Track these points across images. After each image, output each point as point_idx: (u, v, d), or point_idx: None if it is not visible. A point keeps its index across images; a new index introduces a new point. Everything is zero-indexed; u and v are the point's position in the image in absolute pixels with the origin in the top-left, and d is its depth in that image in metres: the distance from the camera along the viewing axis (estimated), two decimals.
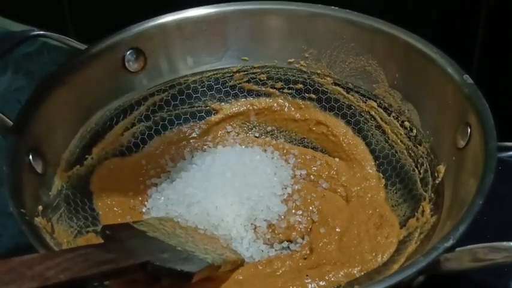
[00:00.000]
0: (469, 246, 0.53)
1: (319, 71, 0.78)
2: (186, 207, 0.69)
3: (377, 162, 0.75)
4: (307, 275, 0.64)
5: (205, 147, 0.79)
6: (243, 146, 0.79)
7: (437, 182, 0.66)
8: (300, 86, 0.80)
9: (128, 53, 0.76)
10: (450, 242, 0.53)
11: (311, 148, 0.79)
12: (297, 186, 0.73)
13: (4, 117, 0.67)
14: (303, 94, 0.80)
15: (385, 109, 0.75)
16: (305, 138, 0.80)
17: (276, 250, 0.68)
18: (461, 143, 0.64)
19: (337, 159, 0.77)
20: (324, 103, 0.79)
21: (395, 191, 0.72)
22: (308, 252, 0.68)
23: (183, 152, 0.78)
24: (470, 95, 0.64)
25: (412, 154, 0.71)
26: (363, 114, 0.77)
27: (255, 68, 0.80)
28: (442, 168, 0.66)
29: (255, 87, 0.81)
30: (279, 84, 0.80)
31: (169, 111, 0.80)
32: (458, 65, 0.67)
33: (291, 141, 0.80)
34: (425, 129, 0.70)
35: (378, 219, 0.69)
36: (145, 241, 0.60)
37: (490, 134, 0.60)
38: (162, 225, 0.65)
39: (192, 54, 0.79)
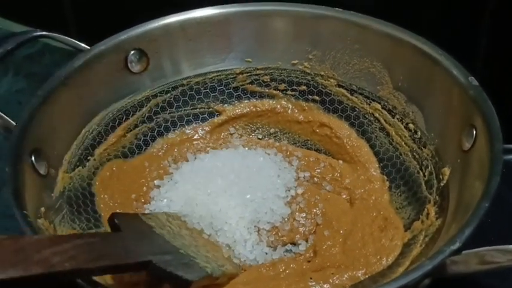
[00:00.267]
0: (476, 249, 0.53)
1: (322, 73, 0.78)
2: (189, 209, 0.68)
3: (381, 164, 0.75)
4: (311, 278, 0.63)
5: (208, 149, 0.79)
6: (246, 148, 0.78)
7: (442, 184, 0.66)
8: (304, 87, 0.79)
9: (131, 54, 0.76)
10: (456, 245, 0.53)
11: (314, 150, 0.79)
12: (300, 189, 0.73)
13: (7, 118, 0.67)
14: (306, 96, 0.79)
15: (389, 111, 0.74)
16: (308, 140, 0.79)
17: (279, 253, 0.68)
18: (467, 146, 0.64)
19: (340, 162, 0.76)
20: (327, 105, 0.79)
21: (399, 194, 0.72)
22: (312, 255, 0.67)
23: (185, 153, 0.78)
24: (476, 97, 0.64)
25: (417, 156, 0.71)
26: (367, 116, 0.76)
27: (258, 69, 0.80)
28: (447, 171, 0.66)
29: (258, 88, 0.80)
30: (282, 86, 0.80)
31: (172, 112, 0.79)
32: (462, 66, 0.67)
33: (295, 143, 0.80)
34: (430, 132, 0.70)
35: (382, 221, 0.69)
36: (150, 238, 0.60)
37: (496, 136, 0.60)
38: (169, 222, 0.65)
39: (196, 55, 0.79)
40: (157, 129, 0.79)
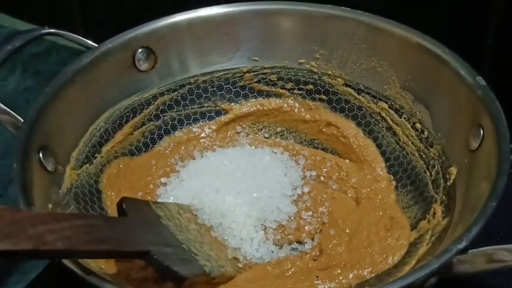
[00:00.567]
0: (482, 248, 0.53)
1: (330, 72, 0.78)
2: (196, 207, 0.68)
3: (388, 164, 0.75)
4: (317, 277, 0.63)
5: (215, 147, 0.79)
6: (253, 147, 0.79)
7: (449, 184, 0.66)
8: (311, 86, 0.79)
9: (139, 52, 0.76)
10: (463, 244, 0.53)
11: (321, 149, 0.79)
12: (307, 187, 0.73)
13: (15, 114, 0.67)
14: (313, 95, 0.79)
15: (396, 111, 0.74)
16: (315, 139, 0.80)
17: (285, 251, 0.68)
18: (474, 145, 0.64)
19: (347, 161, 0.77)
20: (334, 104, 0.79)
21: (406, 193, 0.72)
22: (318, 253, 0.68)
23: (192, 151, 0.78)
24: (483, 96, 0.64)
25: (424, 156, 0.71)
26: (373, 116, 0.76)
27: (265, 68, 0.80)
28: (453, 170, 0.66)
29: (265, 87, 0.81)
30: (289, 85, 0.80)
31: (179, 110, 0.80)
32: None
33: (301, 142, 0.80)
34: (437, 131, 0.70)
35: (388, 221, 0.69)
36: (155, 228, 0.60)
37: (503, 136, 0.60)
38: (180, 214, 0.65)
39: (203, 53, 0.79)
40: (164, 127, 0.79)
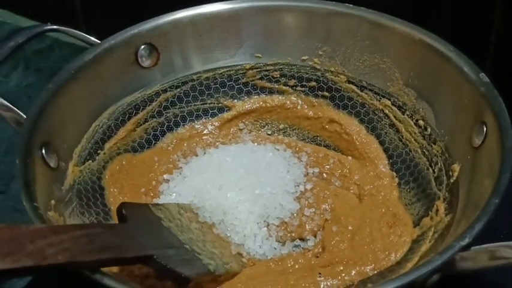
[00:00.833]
0: (485, 245, 0.53)
1: (332, 69, 0.78)
2: (199, 204, 0.68)
3: (390, 161, 0.75)
4: (319, 273, 0.63)
5: (218, 144, 0.79)
6: (256, 144, 0.78)
7: (451, 181, 0.66)
8: (314, 83, 0.79)
9: (141, 48, 0.76)
10: (466, 241, 0.52)
11: (324, 146, 0.79)
12: (309, 184, 0.73)
13: (18, 111, 0.67)
14: (316, 92, 0.79)
15: (399, 107, 0.74)
16: (318, 136, 0.79)
17: (288, 248, 0.68)
18: (477, 142, 0.63)
19: (350, 158, 0.76)
20: (337, 101, 0.78)
21: (408, 190, 0.72)
22: (320, 250, 0.67)
23: (195, 148, 0.78)
24: (487, 93, 0.64)
25: (426, 153, 0.71)
26: (376, 113, 0.76)
27: (268, 65, 0.80)
28: (456, 167, 0.66)
29: (268, 84, 0.80)
30: (292, 82, 0.80)
31: (182, 107, 0.79)
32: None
33: (304, 139, 0.80)
34: (440, 128, 0.70)
35: (390, 218, 0.69)
36: (157, 231, 0.60)
37: (506, 133, 0.60)
38: (180, 214, 0.65)
39: (206, 50, 0.79)
40: (167, 123, 0.79)
